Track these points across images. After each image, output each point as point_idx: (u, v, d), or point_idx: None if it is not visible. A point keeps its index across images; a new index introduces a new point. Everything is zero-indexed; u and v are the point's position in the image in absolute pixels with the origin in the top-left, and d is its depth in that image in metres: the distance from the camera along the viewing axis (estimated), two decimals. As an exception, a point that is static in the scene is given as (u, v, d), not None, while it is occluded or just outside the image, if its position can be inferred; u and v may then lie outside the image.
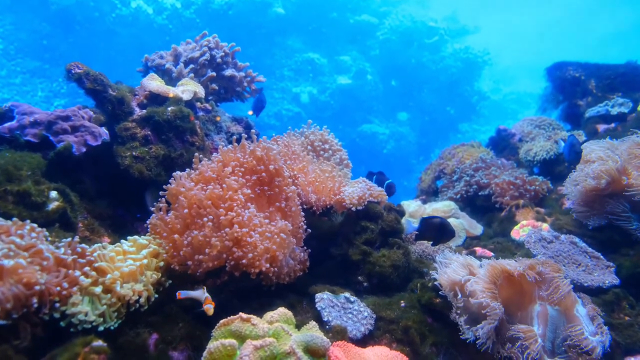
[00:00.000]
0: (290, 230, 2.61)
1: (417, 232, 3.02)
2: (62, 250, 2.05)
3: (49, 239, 2.14)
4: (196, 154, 2.83)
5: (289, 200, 2.75)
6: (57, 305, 1.90)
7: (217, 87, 3.93)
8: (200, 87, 3.60)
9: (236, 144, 2.84)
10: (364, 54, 18.73)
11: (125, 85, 3.36)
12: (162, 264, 2.36)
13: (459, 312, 2.37)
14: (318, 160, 3.39)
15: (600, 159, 3.23)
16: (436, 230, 2.94)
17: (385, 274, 2.83)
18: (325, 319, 2.37)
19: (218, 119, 3.71)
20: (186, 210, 2.43)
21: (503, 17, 31.25)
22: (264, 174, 2.72)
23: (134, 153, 2.95)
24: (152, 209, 2.62)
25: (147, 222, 2.60)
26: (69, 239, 2.15)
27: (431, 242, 3.13)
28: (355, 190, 3.10)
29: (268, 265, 2.36)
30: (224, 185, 2.52)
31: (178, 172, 2.65)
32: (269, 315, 2.04)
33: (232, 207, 2.42)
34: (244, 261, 2.32)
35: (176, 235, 2.39)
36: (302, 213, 2.86)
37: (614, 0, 27.67)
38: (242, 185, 2.61)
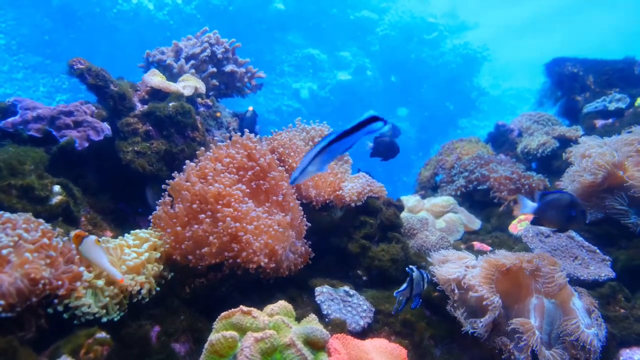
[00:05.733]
0: (289, 224, 2.64)
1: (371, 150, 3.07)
2: (68, 244, 2.08)
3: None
4: (202, 148, 2.86)
5: (287, 194, 2.78)
6: (56, 301, 1.92)
7: (217, 83, 3.95)
8: (201, 82, 3.62)
9: (234, 139, 2.87)
10: (363, 49, 18.71)
11: (127, 80, 3.39)
12: (158, 255, 2.38)
13: (455, 305, 2.40)
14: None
15: (601, 154, 3.26)
16: (385, 146, 3.00)
17: (384, 267, 2.86)
18: (325, 312, 2.40)
19: (218, 114, 3.73)
20: (195, 205, 2.46)
21: (502, 13, 31.15)
22: (257, 168, 2.75)
23: (135, 148, 2.97)
24: (157, 202, 2.64)
25: (150, 216, 2.63)
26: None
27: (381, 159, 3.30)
28: (355, 186, 3.13)
29: (266, 260, 2.39)
30: (215, 183, 2.54)
31: (191, 164, 2.68)
32: (269, 308, 2.07)
33: (229, 203, 2.45)
34: (239, 260, 2.35)
35: (179, 228, 2.42)
36: (300, 207, 2.89)
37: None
38: (236, 181, 2.63)
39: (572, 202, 2.69)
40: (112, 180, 3.09)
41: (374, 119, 1.58)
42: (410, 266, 2.32)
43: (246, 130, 2.97)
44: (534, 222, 2.79)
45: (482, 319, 2.21)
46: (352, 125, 1.58)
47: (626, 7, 27.53)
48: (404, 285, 2.27)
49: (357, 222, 3.11)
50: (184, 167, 2.67)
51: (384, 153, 3.34)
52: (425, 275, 2.33)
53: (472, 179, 4.56)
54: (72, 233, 2.05)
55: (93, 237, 2.03)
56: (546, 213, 2.73)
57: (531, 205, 2.79)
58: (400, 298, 2.31)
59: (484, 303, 2.22)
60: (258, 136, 3.10)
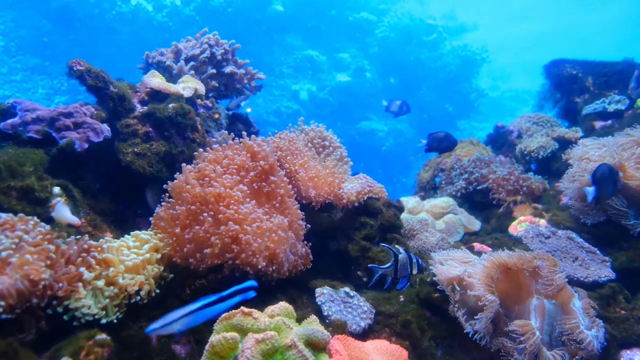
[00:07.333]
0: (289, 226, 2.64)
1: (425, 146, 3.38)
2: (69, 246, 2.07)
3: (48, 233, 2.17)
4: (200, 149, 2.85)
5: (285, 197, 2.78)
6: (56, 302, 1.92)
7: (217, 84, 3.95)
8: (200, 84, 3.62)
9: (231, 142, 2.87)
10: (362, 51, 18.74)
11: (126, 82, 3.38)
12: (159, 256, 2.38)
13: (457, 306, 2.40)
14: (319, 156, 3.42)
15: (601, 156, 3.26)
16: (440, 141, 3.29)
17: (384, 269, 2.86)
18: (326, 313, 2.39)
19: (217, 116, 3.73)
20: (193, 207, 2.45)
21: (501, 15, 31.21)
22: (259, 167, 2.74)
23: (135, 149, 2.97)
24: (157, 205, 2.64)
25: (150, 218, 2.62)
26: (78, 236, 2.18)
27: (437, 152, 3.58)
28: (355, 186, 3.13)
29: (265, 263, 2.38)
30: (215, 183, 2.54)
31: (188, 166, 2.67)
32: (270, 309, 2.07)
33: (229, 204, 2.45)
34: (237, 261, 2.35)
35: (178, 230, 2.41)
36: (301, 212, 2.89)
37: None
38: (237, 182, 2.63)
39: (611, 170, 2.99)
40: (112, 181, 3.09)
41: (249, 288, 1.81)
42: (397, 246, 2.36)
43: (244, 134, 2.96)
44: (597, 203, 3.17)
45: (478, 317, 2.20)
46: (224, 293, 1.75)
47: (624, 8, 27.57)
48: (389, 264, 2.37)
49: (357, 223, 3.10)
50: (183, 168, 2.67)
51: (438, 147, 3.48)
52: (415, 260, 2.37)
53: (471, 180, 4.56)
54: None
55: (62, 199, 2.40)
56: (602, 190, 3.00)
57: (591, 190, 3.02)
58: (381, 274, 2.42)
59: (481, 304, 2.22)
60: (263, 137, 3.11)
